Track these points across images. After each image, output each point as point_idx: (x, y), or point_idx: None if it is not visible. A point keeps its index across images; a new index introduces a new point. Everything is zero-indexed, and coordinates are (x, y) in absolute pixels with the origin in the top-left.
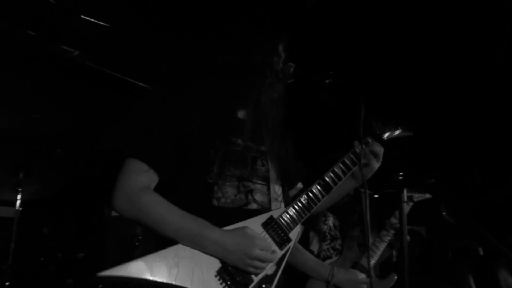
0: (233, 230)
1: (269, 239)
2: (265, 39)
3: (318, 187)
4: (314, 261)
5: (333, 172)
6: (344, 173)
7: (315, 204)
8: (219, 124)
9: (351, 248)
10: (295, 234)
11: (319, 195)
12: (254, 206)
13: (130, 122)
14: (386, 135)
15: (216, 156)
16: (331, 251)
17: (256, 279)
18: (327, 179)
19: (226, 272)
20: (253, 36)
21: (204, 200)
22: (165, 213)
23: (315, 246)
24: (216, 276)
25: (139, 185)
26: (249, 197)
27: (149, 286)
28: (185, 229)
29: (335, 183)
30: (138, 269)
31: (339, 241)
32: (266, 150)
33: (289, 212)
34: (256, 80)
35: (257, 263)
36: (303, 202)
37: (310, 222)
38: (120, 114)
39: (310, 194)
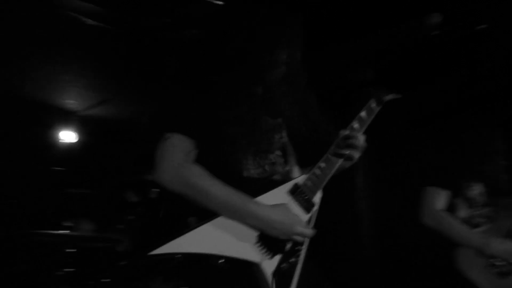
0: (276, 207)
1: (297, 205)
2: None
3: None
4: (464, 229)
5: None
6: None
7: (332, 170)
8: (243, 101)
9: (506, 216)
10: (318, 198)
11: (335, 162)
12: (278, 177)
13: (172, 100)
14: (384, 98)
15: (244, 131)
16: (481, 219)
17: (289, 244)
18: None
19: (266, 239)
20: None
21: (234, 171)
22: (211, 187)
23: (462, 213)
24: (256, 243)
25: (185, 159)
26: (273, 168)
27: (195, 258)
28: (229, 203)
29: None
30: (184, 244)
31: (489, 208)
32: (283, 122)
33: (311, 178)
34: (266, 60)
35: (298, 238)
36: (322, 167)
37: (454, 188)
38: None
39: (328, 160)
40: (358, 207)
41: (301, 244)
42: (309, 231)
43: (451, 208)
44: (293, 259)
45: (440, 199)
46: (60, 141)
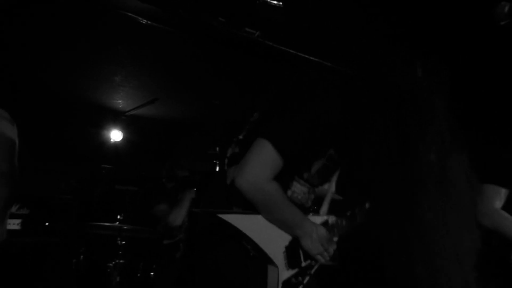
0: (316, 225)
1: None
2: None
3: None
4: None
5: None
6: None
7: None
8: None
9: None
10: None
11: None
12: (307, 205)
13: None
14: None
15: (315, 168)
16: None
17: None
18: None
19: (290, 251)
20: None
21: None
22: (281, 204)
23: None
24: (283, 252)
25: (270, 173)
26: (310, 196)
27: (241, 235)
28: (289, 219)
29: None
30: (241, 221)
31: None
32: (341, 164)
33: (337, 222)
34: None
35: (325, 254)
36: (349, 217)
37: None
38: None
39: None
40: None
41: (313, 267)
42: (333, 252)
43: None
44: (300, 278)
45: (498, 197)
46: (109, 139)
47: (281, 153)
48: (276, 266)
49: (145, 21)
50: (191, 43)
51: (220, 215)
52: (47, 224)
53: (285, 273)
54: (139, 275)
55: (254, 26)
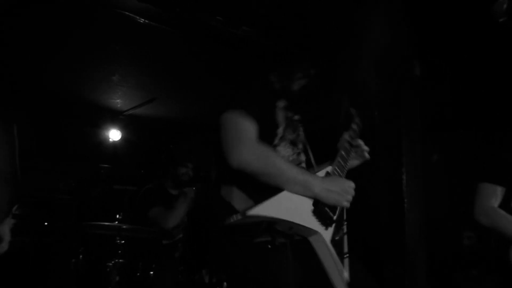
0: (325, 177)
1: None
2: None
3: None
4: None
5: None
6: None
7: (349, 160)
8: (282, 95)
9: None
10: None
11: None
12: (303, 165)
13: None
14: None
15: (281, 121)
16: None
17: (336, 215)
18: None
19: (319, 212)
20: None
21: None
22: (283, 164)
23: None
24: (312, 216)
25: (255, 135)
26: (299, 158)
27: (279, 224)
28: (299, 175)
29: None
30: (266, 208)
31: None
32: (301, 119)
33: (336, 168)
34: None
35: (349, 197)
36: (345, 157)
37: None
38: None
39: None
40: (403, 207)
41: (343, 215)
42: (353, 191)
43: (504, 205)
44: (340, 231)
45: (495, 196)
46: (107, 139)
47: (247, 110)
48: (317, 232)
49: (143, 20)
50: (189, 42)
51: (248, 212)
52: (46, 224)
53: (327, 234)
54: (138, 274)
55: (252, 25)
